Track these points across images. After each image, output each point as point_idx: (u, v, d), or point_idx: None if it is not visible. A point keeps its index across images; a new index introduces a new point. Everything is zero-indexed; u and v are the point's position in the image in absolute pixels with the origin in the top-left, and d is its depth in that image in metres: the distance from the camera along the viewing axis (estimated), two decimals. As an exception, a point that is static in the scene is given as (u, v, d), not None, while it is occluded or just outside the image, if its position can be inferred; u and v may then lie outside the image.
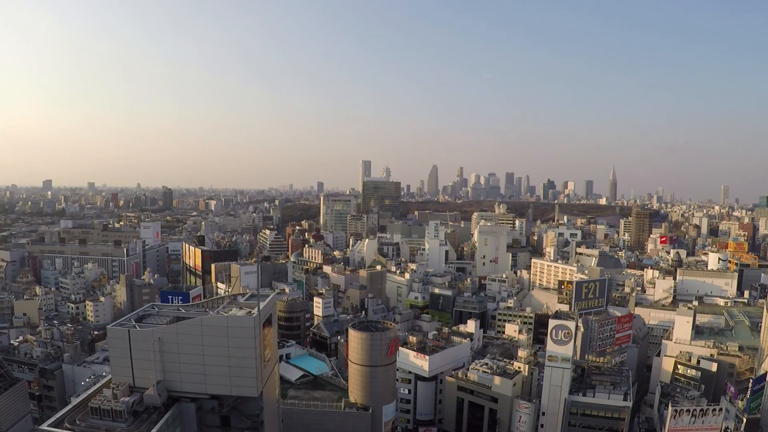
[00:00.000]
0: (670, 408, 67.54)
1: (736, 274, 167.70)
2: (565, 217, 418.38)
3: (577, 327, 78.17)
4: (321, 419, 65.43)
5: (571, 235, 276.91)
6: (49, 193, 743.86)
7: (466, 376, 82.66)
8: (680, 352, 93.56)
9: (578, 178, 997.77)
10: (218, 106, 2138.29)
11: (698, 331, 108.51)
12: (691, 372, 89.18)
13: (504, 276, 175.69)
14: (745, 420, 70.67)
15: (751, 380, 73.49)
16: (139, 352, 46.07)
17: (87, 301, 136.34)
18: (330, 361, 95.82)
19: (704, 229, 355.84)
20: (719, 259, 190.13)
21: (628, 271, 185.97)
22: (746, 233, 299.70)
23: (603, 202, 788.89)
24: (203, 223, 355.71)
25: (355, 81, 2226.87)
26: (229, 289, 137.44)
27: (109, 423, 42.71)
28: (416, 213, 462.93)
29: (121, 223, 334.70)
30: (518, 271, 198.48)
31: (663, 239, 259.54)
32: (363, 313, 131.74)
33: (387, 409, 69.37)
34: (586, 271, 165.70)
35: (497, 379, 77.41)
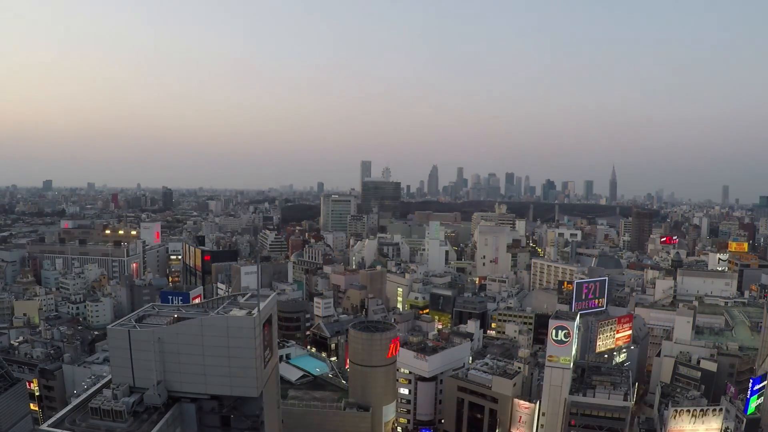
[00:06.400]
0: (670, 408, 67.54)
1: (736, 274, 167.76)
2: (566, 218, 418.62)
3: (577, 327, 78.14)
4: (321, 419, 65.44)
5: (571, 235, 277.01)
6: (49, 193, 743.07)
7: (466, 376, 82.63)
8: (680, 352, 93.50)
9: (578, 178, 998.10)
10: (218, 106, 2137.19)
11: (698, 331, 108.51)
12: (692, 372, 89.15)
13: (504, 276, 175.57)
14: (745, 420, 70.74)
15: (751, 380, 73.49)
16: (139, 352, 46.10)
17: (87, 302, 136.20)
18: (330, 361, 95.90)
19: (704, 229, 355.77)
20: (719, 259, 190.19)
21: (628, 271, 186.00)
22: (746, 233, 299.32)
23: (603, 202, 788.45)
24: (203, 223, 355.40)
25: (354, 81, 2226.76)
26: (230, 290, 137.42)
27: (109, 423, 42.71)
28: (416, 213, 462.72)
29: (121, 223, 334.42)
30: (518, 272, 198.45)
31: (667, 239, 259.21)
32: (363, 313, 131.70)
33: (387, 409, 69.36)
34: (586, 271, 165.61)
35: (497, 379, 77.36)
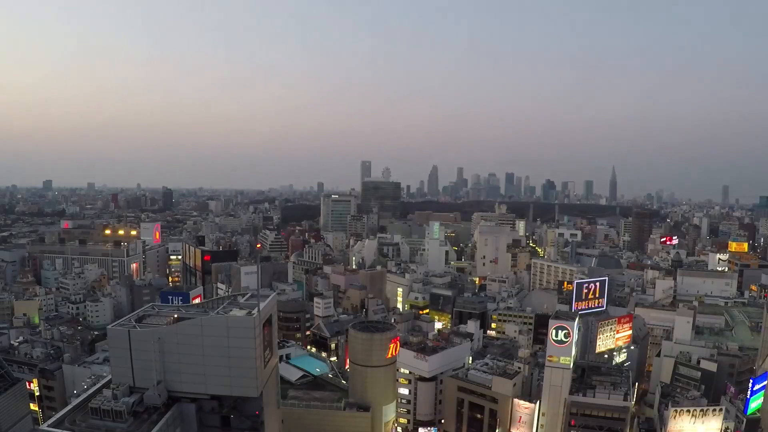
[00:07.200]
0: (670, 408, 67.54)
1: (736, 274, 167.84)
2: (566, 218, 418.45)
3: (577, 327, 78.13)
4: (321, 419, 65.41)
5: (571, 235, 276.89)
6: (50, 193, 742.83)
7: (466, 376, 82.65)
8: (680, 352, 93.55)
9: (578, 178, 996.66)
10: (218, 107, 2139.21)
11: (698, 331, 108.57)
12: (692, 372, 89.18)
13: (504, 276, 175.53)
14: (745, 420, 70.76)
15: (751, 380, 73.49)
16: (139, 352, 46.14)
17: (87, 302, 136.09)
18: (330, 361, 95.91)
19: (704, 229, 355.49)
20: (719, 259, 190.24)
21: (628, 271, 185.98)
22: (746, 233, 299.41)
23: (603, 202, 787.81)
24: (203, 223, 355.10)
25: (354, 81, 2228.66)
26: (230, 290, 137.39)
27: (109, 423, 42.74)
28: (416, 213, 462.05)
29: (121, 223, 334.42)
30: (518, 272, 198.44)
31: (667, 239, 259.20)
32: (363, 313, 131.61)
33: (387, 409, 69.36)
34: (586, 271, 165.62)
35: (497, 380, 77.38)
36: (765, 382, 73.57)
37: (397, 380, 79.15)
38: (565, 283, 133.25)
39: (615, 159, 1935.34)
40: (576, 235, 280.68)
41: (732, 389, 77.57)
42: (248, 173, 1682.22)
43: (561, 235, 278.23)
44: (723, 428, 67.90)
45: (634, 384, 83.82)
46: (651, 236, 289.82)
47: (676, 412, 66.87)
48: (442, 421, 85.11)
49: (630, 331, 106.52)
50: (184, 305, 64.01)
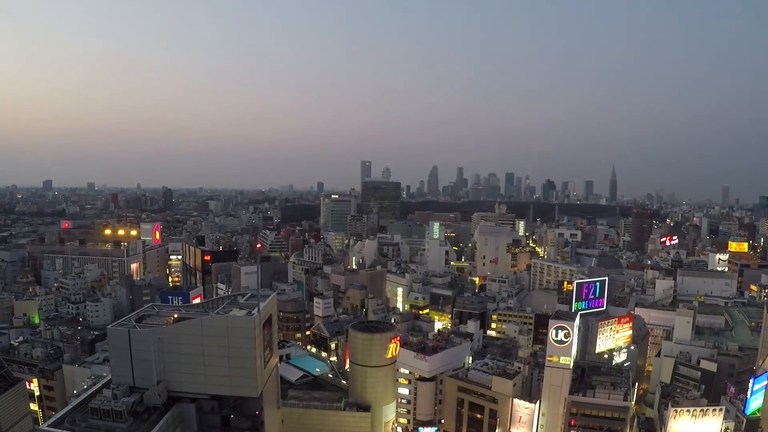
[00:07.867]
0: (670, 408, 67.53)
1: (736, 274, 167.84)
2: (566, 218, 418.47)
3: (577, 327, 78.10)
4: (321, 419, 65.39)
5: (571, 235, 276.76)
6: (49, 193, 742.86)
7: (466, 376, 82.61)
8: (680, 352, 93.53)
9: (578, 178, 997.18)
10: (218, 107, 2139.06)
11: (698, 331, 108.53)
12: (692, 372, 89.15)
13: (504, 276, 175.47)
14: (745, 420, 70.76)
15: (751, 380, 73.49)
16: (139, 352, 46.18)
17: (87, 302, 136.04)
18: (330, 362, 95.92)
19: (704, 229, 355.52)
20: (719, 259, 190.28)
21: (628, 271, 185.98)
22: (746, 233, 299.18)
23: (603, 202, 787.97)
24: (203, 223, 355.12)
25: (355, 81, 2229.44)
26: (230, 290, 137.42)
27: (109, 423, 42.79)
28: (416, 213, 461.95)
29: (121, 223, 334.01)
30: (518, 272, 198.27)
31: (668, 239, 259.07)
32: (363, 313, 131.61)
33: (387, 409, 69.36)
34: (586, 271, 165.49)
35: (497, 379, 77.36)
36: (765, 382, 73.57)
37: (397, 380, 79.15)
38: (565, 283, 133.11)
39: (615, 159, 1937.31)
40: (576, 235, 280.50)
41: (732, 389, 77.56)
42: (248, 173, 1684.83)
43: (561, 235, 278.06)
44: (723, 428, 67.91)
45: (634, 384, 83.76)
46: (651, 236, 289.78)
47: (676, 412, 66.88)
48: (442, 421, 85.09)
49: (630, 331, 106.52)
50: (184, 305, 64.11)
